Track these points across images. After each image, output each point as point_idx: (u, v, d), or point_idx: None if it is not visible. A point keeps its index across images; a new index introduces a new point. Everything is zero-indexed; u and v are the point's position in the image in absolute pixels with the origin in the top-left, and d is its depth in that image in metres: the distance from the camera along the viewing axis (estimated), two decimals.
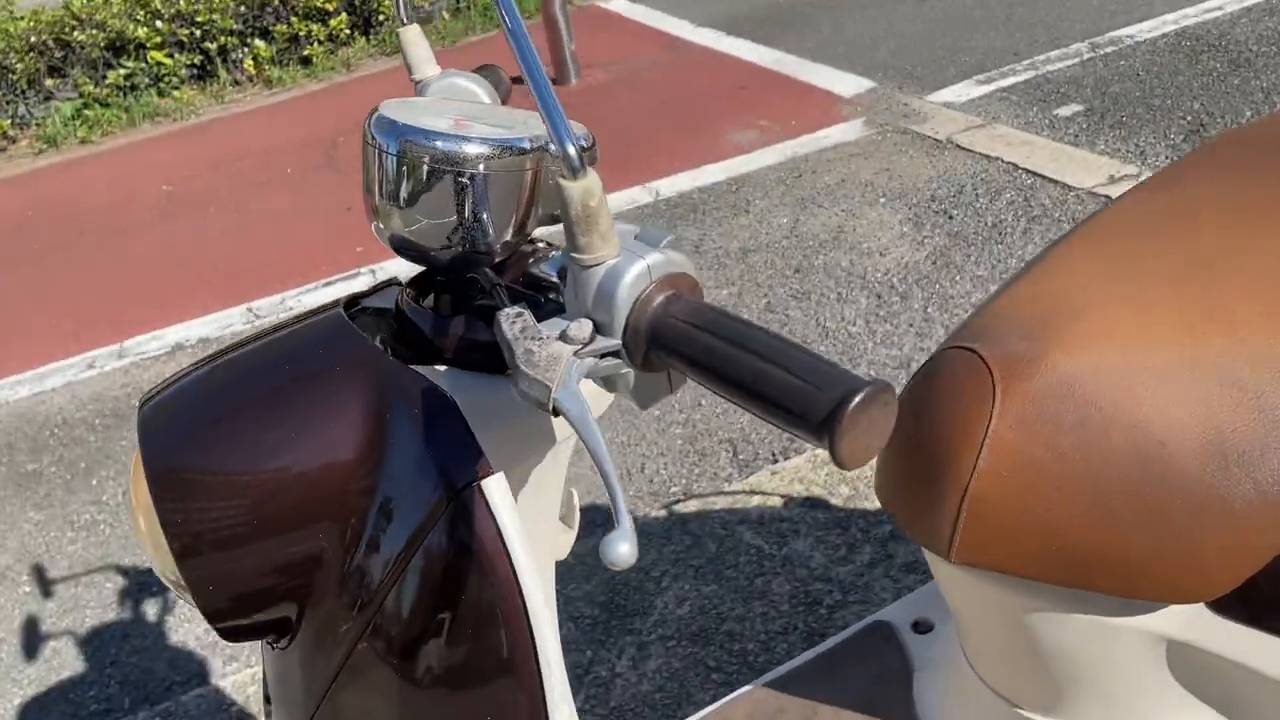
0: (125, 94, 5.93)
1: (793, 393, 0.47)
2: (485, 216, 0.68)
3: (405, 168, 0.65)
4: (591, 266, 0.55)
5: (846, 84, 4.38)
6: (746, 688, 1.31)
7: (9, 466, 2.85)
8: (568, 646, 1.90)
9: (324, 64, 6.10)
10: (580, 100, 4.84)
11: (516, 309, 0.59)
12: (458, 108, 0.75)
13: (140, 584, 2.34)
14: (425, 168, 0.65)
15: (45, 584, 2.39)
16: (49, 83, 5.94)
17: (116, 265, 4.00)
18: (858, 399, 0.46)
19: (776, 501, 2.18)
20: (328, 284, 3.56)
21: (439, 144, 0.66)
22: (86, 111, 5.86)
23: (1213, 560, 0.84)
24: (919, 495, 0.96)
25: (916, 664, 1.25)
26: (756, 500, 2.19)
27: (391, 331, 0.76)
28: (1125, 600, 0.90)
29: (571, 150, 0.53)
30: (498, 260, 0.72)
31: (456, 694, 0.68)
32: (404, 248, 0.69)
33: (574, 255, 0.55)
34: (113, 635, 2.21)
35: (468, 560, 0.65)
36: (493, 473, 0.65)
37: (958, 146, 3.62)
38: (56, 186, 5.09)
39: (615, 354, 0.57)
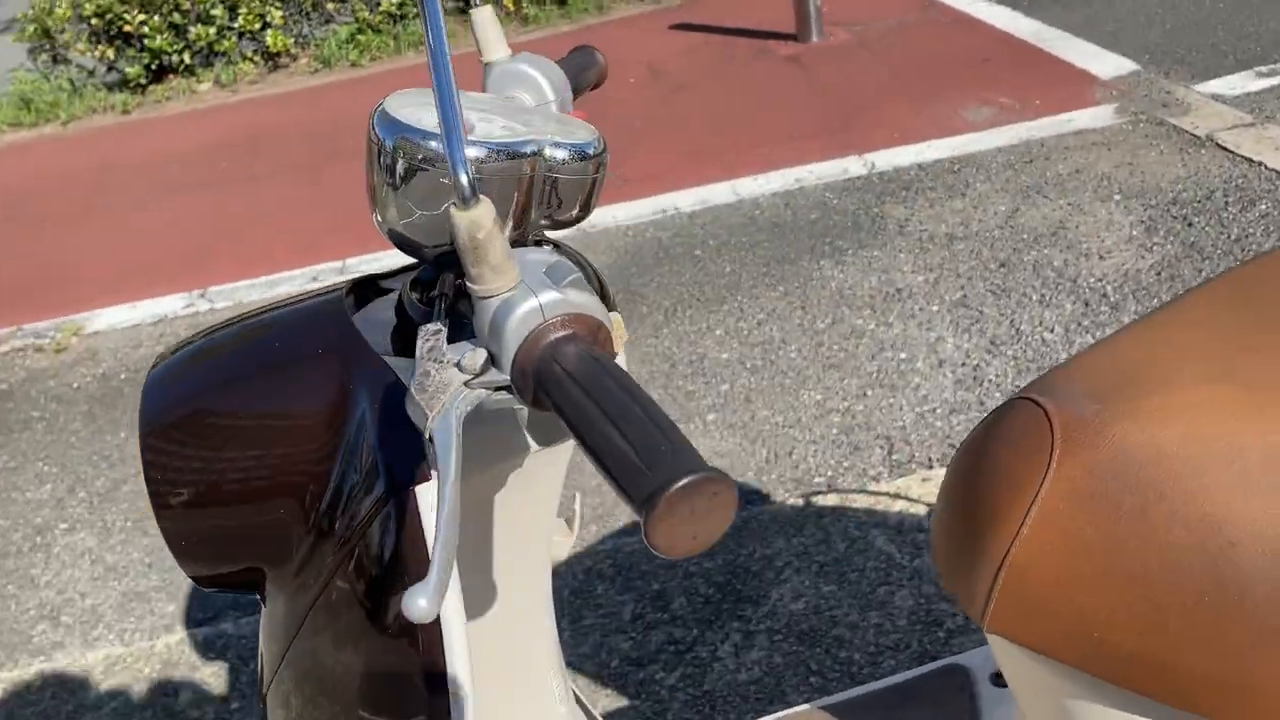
0: (395, 21, 6.29)
1: (626, 467, 0.44)
2: None
3: (400, 165, 0.65)
4: (486, 298, 0.53)
5: (1106, 64, 4.02)
6: (804, 706, 1.27)
7: None
8: (677, 619, 1.90)
9: (578, 5, 6.23)
10: (813, 60, 4.70)
11: (436, 326, 0.58)
12: (479, 102, 0.74)
13: None
14: (418, 166, 0.65)
15: None
16: (330, 6, 6.39)
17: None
18: (677, 487, 0.42)
19: (920, 510, 2.07)
20: None
21: (434, 144, 0.65)
22: (359, 36, 6.26)
23: (1274, 694, 0.73)
24: (961, 551, 0.88)
25: (985, 718, 1.17)
26: (900, 505, 2.09)
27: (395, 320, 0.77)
28: (1169, 710, 0.80)
29: (463, 179, 0.51)
30: None
31: (369, 697, 0.69)
32: (400, 243, 0.70)
33: (469, 285, 0.54)
34: None
35: (395, 562, 0.66)
36: (430, 479, 0.65)
37: (1217, 145, 3.25)
38: (331, 102, 5.48)
39: (508, 388, 0.55)
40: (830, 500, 2.15)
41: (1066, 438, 0.81)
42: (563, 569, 2.08)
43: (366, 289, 0.80)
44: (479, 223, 0.51)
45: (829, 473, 2.24)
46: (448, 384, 0.53)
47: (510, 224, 0.69)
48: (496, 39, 0.87)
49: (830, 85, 4.39)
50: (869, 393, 2.47)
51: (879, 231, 3.17)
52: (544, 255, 0.55)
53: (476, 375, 0.54)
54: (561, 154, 0.69)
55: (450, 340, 0.58)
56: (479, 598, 0.76)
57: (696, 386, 2.61)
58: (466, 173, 0.50)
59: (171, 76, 6.66)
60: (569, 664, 1.84)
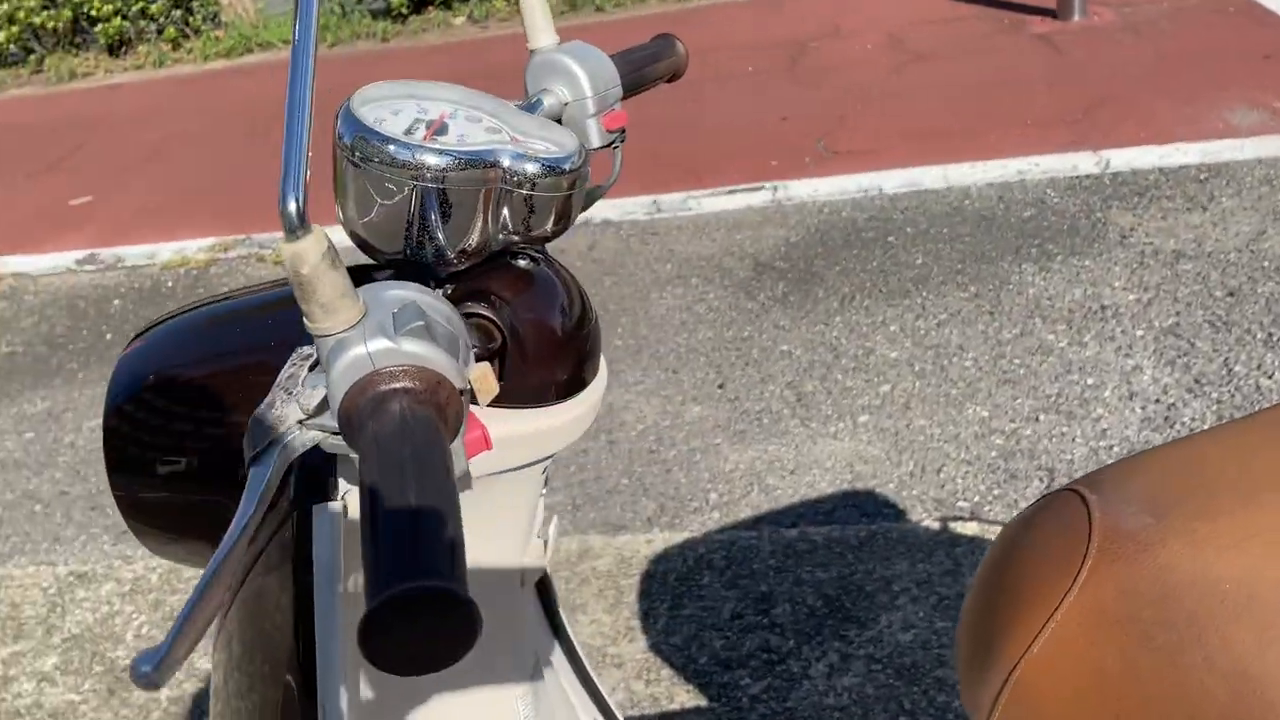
0: None
1: (368, 562, 0.38)
2: (431, 229, 0.62)
3: (357, 165, 0.61)
4: (321, 336, 0.48)
5: None
6: None
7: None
8: (776, 626, 1.82)
9: None
10: (1068, 40, 4.32)
11: (309, 350, 0.54)
12: (476, 101, 0.68)
13: None
14: (373, 170, 0.61)
15: None
16: None
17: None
18: (387, 596, 0.36)
19: None
20: (730, 192, 3.58)
21: (391, 149, 0.60)
22: None
23: None
24: (975, 651, 0.78)
25: None
26: None
27: None
28: None
29: (291, 206, 0.45)
30: (452, 271, 0.66)
31: (245, 707, 0.67)
32: (359, 244, 0.66)
33: (305, 320, 0.49)
34: None
35: (286, 578, 0.63)
36: (333, 500, 0.61)
37: None
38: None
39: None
40: (969, 529, 1.99)
41: (1104, 548, 0.68)
42: (674, 552, 2.04)
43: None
44: (303, 257, 0.46)
45: (975, 498, 2.07)
46: (284, 419, 0.49)
47: (473, 237, 0.63)
48: (544, 25, 0.81)
49: (1080, 69, 4.02)
50: (1042, 417, 2.26)
51: (1097, 239, 2.88)
52: (404, 294, 0.49)
53: (310, 415, 0.49)
54: (531, 167, 0.63)
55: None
56: None
57: (856, 383, 2.48)
58: (298, 200, 0.45)
59: (430, 9, 6.96)
60: (655, 650, 1.80)
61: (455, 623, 0.36)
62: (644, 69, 0.88)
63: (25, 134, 5.89)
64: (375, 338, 0.46)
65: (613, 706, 1.15)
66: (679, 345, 2.75)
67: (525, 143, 0.66)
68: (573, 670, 1.12)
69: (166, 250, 3.88)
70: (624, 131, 0.85)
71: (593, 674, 1.14)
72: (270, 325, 0.72)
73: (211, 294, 0.81)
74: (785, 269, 3.04)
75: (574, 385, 0.70)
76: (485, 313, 0.65)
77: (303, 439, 0.49)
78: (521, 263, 0.68)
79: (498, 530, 0.75)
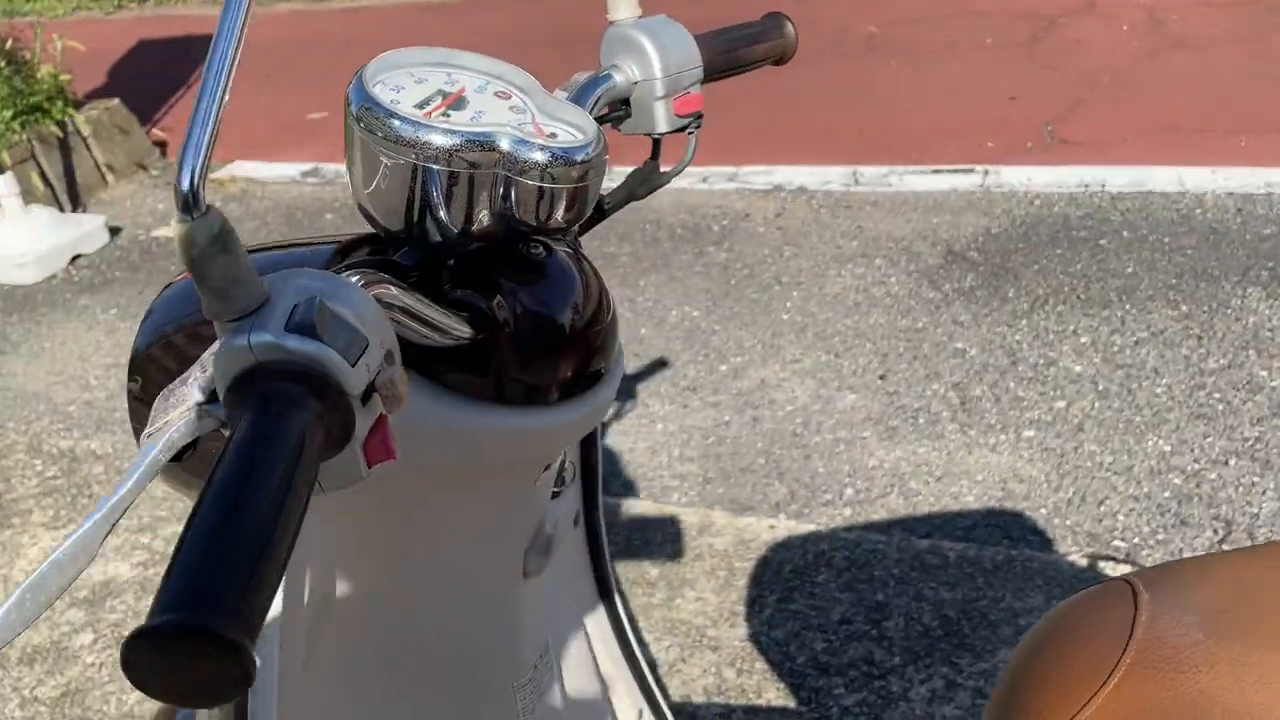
0: None
1: (169, 570, 0.36)
2: (433, 209, 0.59)
3: (362, 136, 0.59)
4: (216, 322, 0.45)
5: None
6: None
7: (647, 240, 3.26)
8: (885, 640, 1.73)
9: None
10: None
11: None
12: (495, 75, 0.64)
13: None
14: (375, 144, 0.58)
15: None
16: None
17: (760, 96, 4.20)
18: (151, 625, 0.33)
19: None
20: (935, 171, 3.39)
21: (395, 123, 0.58)
22: None
23: None
24: None
25: None
26: None
27: None
28: None
29: (184, 185, 0.43)
30: (458, 254, 0.62)
31: None
32: (365, 216, 0.63)
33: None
34: None
35: None
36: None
37: None
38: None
39: None
40: (1120, 571, 1.82)
41: (1143, 655, 0.60)
42: (796, 542, 1.97)
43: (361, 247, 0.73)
44: (191, 239, 0.43)
45: (1135, 540, 1.89)
46: (185, 399, 0.48)
47: (476, 221, 0.60)
48: None
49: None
50: (1233, 462, 2.03)
51: None
52: (313, 284, 0.46)
53: (206, 401, 0.47)
54: (540, 155, 0.59)
55: None
56: (425, 601, 0.72)
57: (1029, 394, 2.30)
58: (193, 177, 0.43)
59: None
60: (754, 640, 1.75)
61: (221, 666, 0.34)
62: (738, 50, 0.82)
63: (290, 49, 6.30)
64: (261, 331, 0.44)
65: (652, 684, 1.12)
66: (846, 328, 2.64)
67: (545, 126, 0.62)
68: (616, 642, 1.10)
69: None
70: (699, 117, 0.79)
71: (636, 648, 1.11)
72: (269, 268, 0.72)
73: (261, 241, 0.82)
74: (978, 261, 2.85)
75: (576, 386, 0.66)
76: (476, 302, 0.62)
77: (195, 425, 0.47)
78: (534, 252, 0.64)
79: (494, 523, 0.72)
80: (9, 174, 3.60)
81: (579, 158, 0.60)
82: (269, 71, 5.48)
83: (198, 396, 0.47)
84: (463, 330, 0.60)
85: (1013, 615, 1.76)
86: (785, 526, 2.02)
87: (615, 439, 2.34)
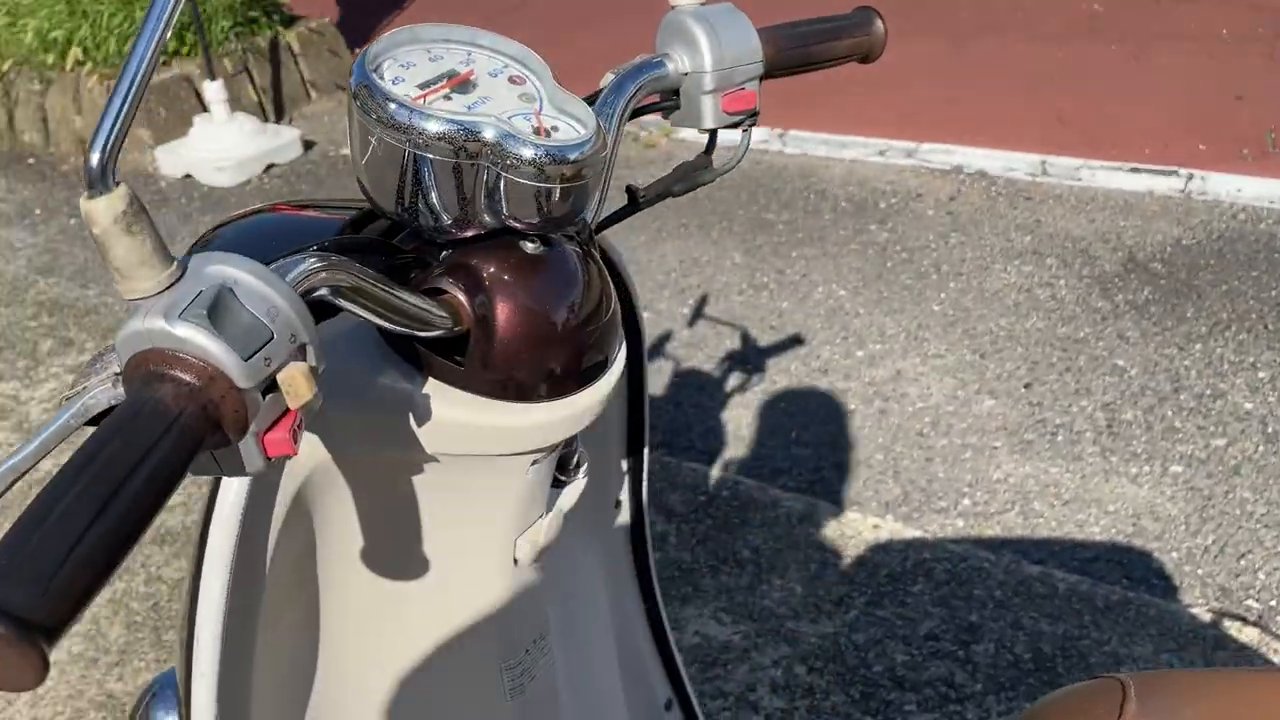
0: None
1: None
2: (424, 194, 0.58)
3: (358, 116, 0.58)
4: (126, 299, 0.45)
5: None
6: None
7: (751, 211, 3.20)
8: (970, 664, 1.66)
9: None
10: None
11: None
12: (516, 59, 0.61)
13: None
14: (368, 124, 0.57)
15: None
16: None
17: (974, 66, 3.97)
18: None
19: None
20: (1133, 170, 3.13)
21: (392, 106, 0.56)
22: None
23: None
24: None
25: None
26: None
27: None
28: None
29: (94, 159, 0.42)
30: (450, 240, 0.61)
31: None
32: (364, 194, 0.62)
33: None
34: None
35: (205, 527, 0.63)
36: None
37: None
38: None
39: None
40: (1246, 635, 1.67)
41: None
42: (898, 546, 1.90)
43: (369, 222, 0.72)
44: (93, 216, 0.43)
45: (1272, 603, 1.73)
46: (103, 368, 0.48)
47: (465, 211, 0.58)
48: None
49: None
50: None
51: None
52: (225, 271, 0.45)
53: (120, 374, 0.47)
54: (527, 150, 0.56)
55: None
56: (407, 569, 0.72)
57: (1186, 426, 2.12)
58: (104, 151, 0.42)
59: None
60: (832, 640, 1.70)
61: (12, 656, 0.34)
62: (812, 45, 0.76)
63: None
64: (155, 316, 0.44)
65: (685, 678, 1.11)
66: (998, 328, 2.50)
67: (547, 119, 0.59)
68: (649, 630, 1.08)
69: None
70: (753, 115, 0.74)
71: (670, 637, 1.09)
72: (309, 235, 0.72)
73: (290, 198, 0.82)
74: (1160, 273, 2.63)
75: (565, 386, 0.64)
76: (456, 292, 0.60)
77: (111, 394, 0.48)
78: (529, 246, 0.61)
79: (478, 509, 0.71)
80: (220, 81, 3.82)
81: (571, 156, 0.57)
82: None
83: (116, 367, 0.47)
84: (440, 320, 0.59)
85: (1114, 661, 1.64)
86: (890, 528, 1.94)
87: (735, 411, 2.31)
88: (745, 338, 2.59)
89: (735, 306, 2.70)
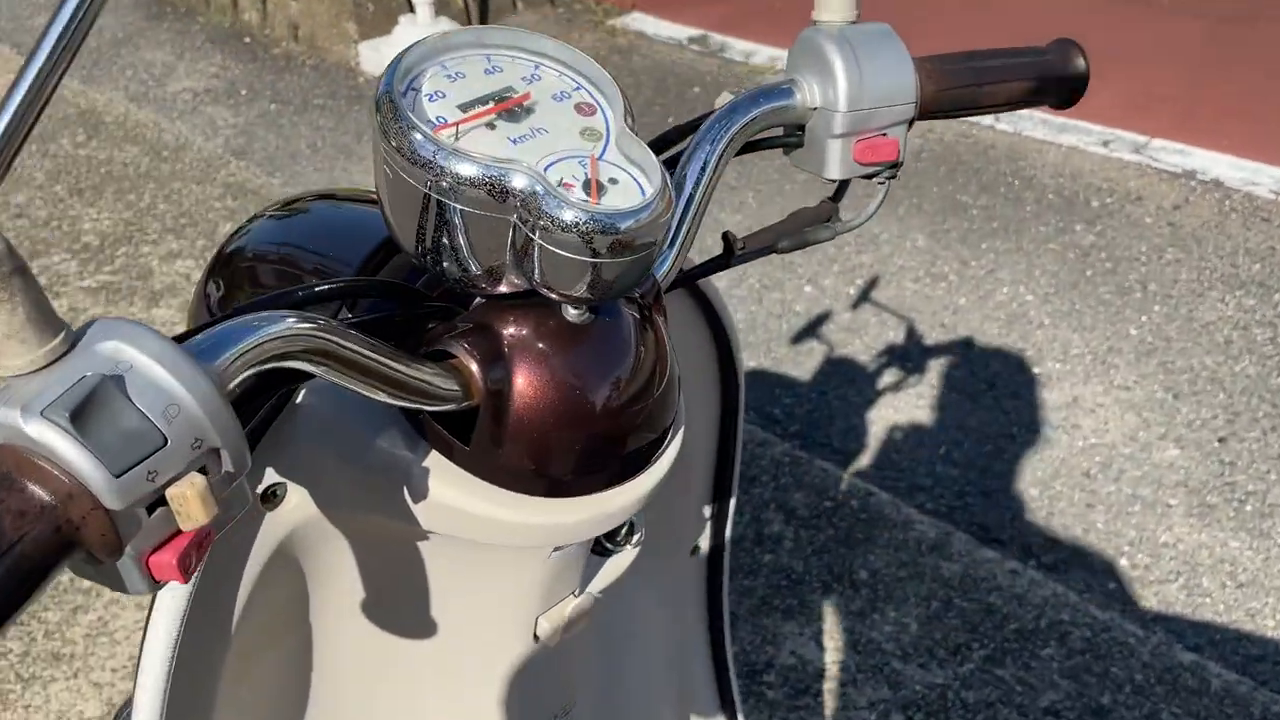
0: None
1: None
2: (448, 240, 0.47)
3: (376, 135, 0.47)
4: None
5: None
6: None
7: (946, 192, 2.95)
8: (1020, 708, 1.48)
9: None
10: None
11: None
12: (590, 82, 0.49)
13: None
14: (386, 151, 0.46)
15: None
16: None
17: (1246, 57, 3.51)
18: None
19: None
20: None
21: (415, 138, 0.45)
22: None
23: None
24: None
25: None
26: None
27: None
28: None
29: None
30: (475, 293, 0.50)
31: None
32: (387, 226, 0.52)
33: None
34: None
35: None
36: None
37: None
38: None
39: None
40: None
41: None
42: (1035, 599, 1.71)
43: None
44: None
45: None
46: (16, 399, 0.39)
47: (493, 269, 0.46)
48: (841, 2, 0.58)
49: None
50: None
51: None
52: (122, 356, 0.35)
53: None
54: (568, 214, 0.43)
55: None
56: (409, 629, 0.64)
57: None
58: None
59: None
60: (939, 692, 1.56)
61: None
62: (988, 85, 0.61)
63: None
64: (13, 405, 0.35)
65: (738, 704, 1.01)
66: (1202, 367, 2.22)
67: (605, 168, 0.47)
68: (715, 686, 0.99)
69: (764, 53, 3.91)
70: (893, 167, 0.59)
71: (736, 690, 1.00)
72: (341, 229, 0.64)
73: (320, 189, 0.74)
74: None
75: (592, 482, 0.53)
76: (464, 358, 0.49)
77: None
78: (572, 312, 0.50)
79: (491, 587, 0.62)
80: None
81: (622, 225, 0.44)
82: None
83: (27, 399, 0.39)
84: (446, 393, 0.48)
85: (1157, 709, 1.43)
86: (1030, 577, 1.76)
87: (883, 411, 2.14)
88: (911, 332, 2.40)
89: (907, 295, 2.50)
